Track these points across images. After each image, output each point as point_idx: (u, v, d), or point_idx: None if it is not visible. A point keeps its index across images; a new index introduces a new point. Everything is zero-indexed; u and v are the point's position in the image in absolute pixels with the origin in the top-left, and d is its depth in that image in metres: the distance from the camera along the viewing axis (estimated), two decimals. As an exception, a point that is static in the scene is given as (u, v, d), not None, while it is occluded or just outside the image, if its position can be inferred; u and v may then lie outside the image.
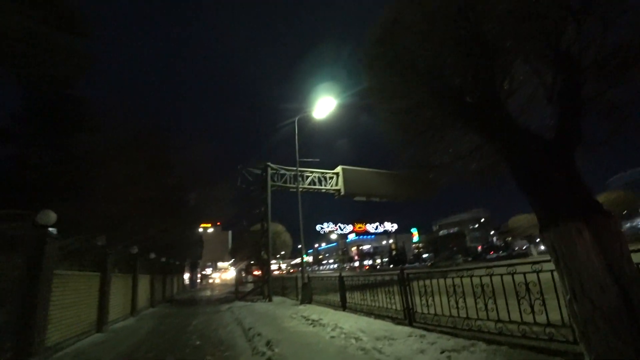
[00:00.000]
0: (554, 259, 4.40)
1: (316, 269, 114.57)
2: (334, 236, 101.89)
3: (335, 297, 11.94)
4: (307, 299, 14.24)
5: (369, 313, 9.17)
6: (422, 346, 5.64)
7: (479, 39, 5.21)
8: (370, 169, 24.71)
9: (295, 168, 19.60)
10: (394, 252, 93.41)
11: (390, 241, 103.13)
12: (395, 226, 73.86)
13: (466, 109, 5.66)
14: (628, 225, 47.62)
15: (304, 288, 14.57)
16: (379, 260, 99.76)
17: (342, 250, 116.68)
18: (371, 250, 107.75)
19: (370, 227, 72.22)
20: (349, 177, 22.49)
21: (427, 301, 7.05)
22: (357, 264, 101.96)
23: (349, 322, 8.09)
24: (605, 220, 4.27)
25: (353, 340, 6.24)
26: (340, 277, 11.53)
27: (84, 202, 14.29)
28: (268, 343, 6.32)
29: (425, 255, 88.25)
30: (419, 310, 7.34)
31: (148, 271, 16.60)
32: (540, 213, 4.67)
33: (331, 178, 22.33)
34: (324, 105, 17.15)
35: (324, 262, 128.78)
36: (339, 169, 22.43)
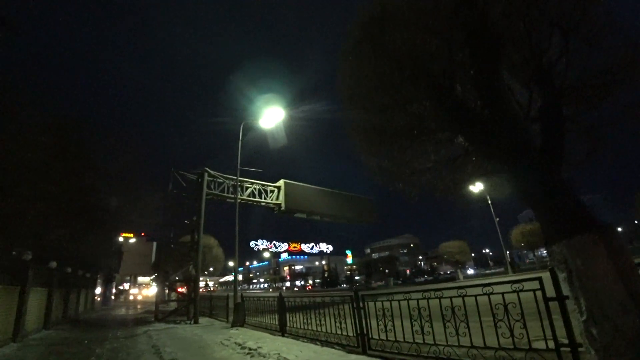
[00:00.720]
0: (565, 274, 3.75)
1: (246, 287, 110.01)
2: (266, 254, 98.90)
3: (272, 320, 10.59)
4: (239, 321, 12.65)
5: (313, 339, 8.00)
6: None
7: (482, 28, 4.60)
8: (314, 186, 23.89)
9: (235, 177, 18.03)
10: (326, 274, 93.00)
11: (323, 262, 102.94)
12: (331, 248, 73.76)
13: (462, 109, 4.97)
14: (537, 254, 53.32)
15: (237, 309, 12.94)
16: (310, 281, 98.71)
17: (273, 270, 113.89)
18: (303, 270, 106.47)
19: (306, 247, 71.17)
20: (291, 192, 21.40)
21: (385, 326, 6.10)
22: (288, 284, 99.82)
23: (293, 351, 6.84)
24: (612, 233, 3.75)
25: (308, 378, 5.00)
26: (281, 297, 10.23)
27: None
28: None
29: (357, 278, 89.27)
30: (375, 335, 6.37)
31: (45, 284, 13.66)
32: (549, 225, 4.01)
33: (272, 191, 21.05)
34: (272, 114, 16.17)
35: (255, 281, 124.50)
36: (281, 182, 21.26)
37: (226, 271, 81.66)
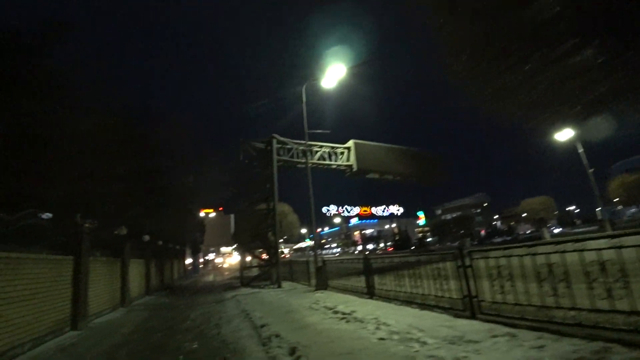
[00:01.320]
0: None
1: (319, 253, 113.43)
2: (337, 220, 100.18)
3: (357, 282, 10.12)
4: (322, 285, 12.44)
5: (407, 302, 7.31)
6: (529, 354, 3.75)
7: None
8: (385, 144, 22.64)
9: (303, 142, 17.60)
10: (397, 237, 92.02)
11: (393, 225, 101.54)
12: (401, 210, 71.96)
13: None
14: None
15: (319, 272, 12.73)
16: (382, 244, 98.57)
17: (344, 235, 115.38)
18: (374, 234, 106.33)
19: (376, 210, 70.30)
20: (362, 152, 20.43)
21: (502, 287, 5.17)
22: (359, 247, 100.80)
23: (390, 315, 6.20)
24: None
25: (416, 346, 4.33)
26: (366, 258, 9.66)
27: (55, 179, 12.50)
28: (293, 351, 4.41)
29: (429, 240, 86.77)
30: (487, 297, 5.48)
31: (142, 256, 14.78)
32: None
33: (342, 153, 20.27)
34: (333, 73, 15.20)
35: (327, 246, 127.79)
36: (350, 143, 20.35)
37: (299, 238, 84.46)
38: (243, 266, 16.96)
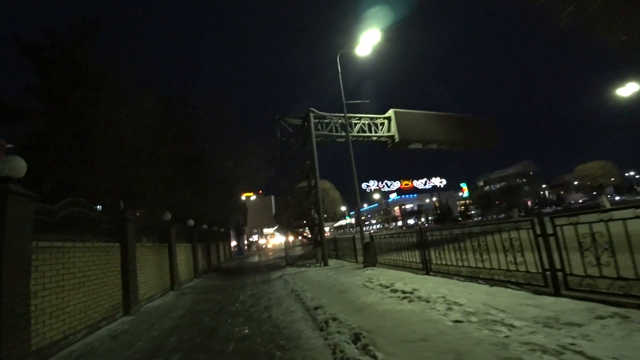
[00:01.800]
0: None
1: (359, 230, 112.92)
2: (376, 196, 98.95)
3: (410, 258, 9.47)
4: (370, 261, 11.90)
5: (471, 277, 6.57)
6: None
7: None
8: (427, 112, 21.28)
9: (341, 114, 16.81)
10: (438, 210, 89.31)
11: (434, 199, 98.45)
12: (444, 182, 69.37)
13: None
14: None
15: (367, 248, 12.16)
16: (423, 219, 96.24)
17: (383, 210, 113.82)
18: (415, 208, 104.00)
19: (418, 184, 68.24)
20: (404, 122, 19.28)
21: (597, 258, 4.32)
22: (400, 223, 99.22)
23: (459, 293, 5.51)
24: None
25: (503, 329, 3.63)
26: (421, 231, 8.97)
27: (101, 170, 12.71)
28: (357, 338, 3.85)
29: (471, 212, 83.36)
30: (575, 271, 4.65)
31: (188, 240, 14.91)
32: None
33: (382, 124, 19.26)
34: (368, 39, 14.25)
35: (367, 223, 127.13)
36: (390, 112, 19.24)
37: (339, 216, 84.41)
38: (287, 246, 16.73)
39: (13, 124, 14.06)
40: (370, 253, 12.01)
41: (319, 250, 16.55)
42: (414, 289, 6.06)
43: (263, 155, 25.06)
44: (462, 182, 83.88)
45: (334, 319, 4.75)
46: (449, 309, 4.66)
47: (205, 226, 18.92)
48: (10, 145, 18.36)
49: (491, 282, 6.05)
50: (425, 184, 69.42)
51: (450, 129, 21.35)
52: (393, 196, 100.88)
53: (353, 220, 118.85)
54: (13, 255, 4.39)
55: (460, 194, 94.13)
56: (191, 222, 15.44)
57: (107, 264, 7.04)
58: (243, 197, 45.40)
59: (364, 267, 11.81)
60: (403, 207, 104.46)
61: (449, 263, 7.52)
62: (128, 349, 4.97)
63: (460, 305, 4.74)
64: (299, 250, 21.74)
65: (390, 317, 4.74)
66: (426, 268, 8.53)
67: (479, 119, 24.04)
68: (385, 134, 19.04)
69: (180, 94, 24.61)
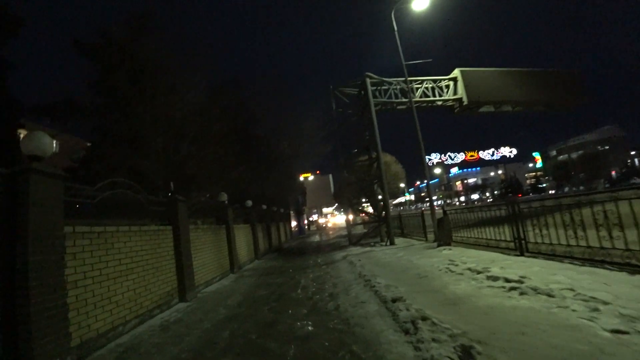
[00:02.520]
0: None
1: (420, 206, 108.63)
2: (437, 171, 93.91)
3: (495, 235, 7.96)
4: (445, 239, 10.48)
5: (591, 260, 4.98)
6: None
7: None
8: (499, 69, 18.63)
9: (400, 78, 15.15)
10: (504, 184, 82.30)
11: (499, 172, 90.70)
12: (514, 151, 63.04)
13: None
14: None
15: (440, 225, 10.73)
16: (487, 194, 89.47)
17: (444, 186, 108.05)
18: (479, 182, 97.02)
19: (484, 155, 62.97)
20: (472, 82, 17.02)
21: None
22: (462, 198, 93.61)
23: (588, 283, 4.04)
24: None
25: None
26: (511, 202, 7.39)
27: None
28: (467, 354, 2.66)
29: (543, 185, 75.29)
30: None
31: (247, 221, 14.50)
32: None
33: (447, 87, 17.19)
34: None
35: (427, 199, 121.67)
36: (456, 72, 17.07)
37: (400, 192, 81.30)
38: (349, 224, 15.69)
39: (78, 120, 14.51)
40: (444, 230, 10.56)
41: (384, 228, 15.34)
42: (521, 277, 4.64)
43: (319, 131, 24.14)
44: (534, 151, 75.58)
45: (424, 318, 3.57)
46: (592, 308, 3.24)
47: (264, 206, 18.55)
48: (89, 144, 19.50)
49: (628, 267, 4.45)
50: (492, 155, 63.74)
51: (527, 87, 18.53)
52: (454, 170, 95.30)
53: (412, 197, 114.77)
54: (41, 242, 3.79)
55: (530, 165, 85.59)
56: (249, 203, 15.00)
57: (158, 249, 6.49)
58: (301, 178, 45.23)
59: (438, 246, 10.43)
60: (465, 181, 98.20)
61: (555, 242, 5.94)
62: (175, 346, 4.25)
63: (606, 303, 3.30)
64: (361, 229, 20.70)
65: (501, 318, 3.45)
66: (520, 247, 6.98)
67: (561, 72, 20.64)
68: (452, 97, 16.97)
69: (233, 77, 24.89)
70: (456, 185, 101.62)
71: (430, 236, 13.46)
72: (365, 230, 16.66)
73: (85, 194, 5.10)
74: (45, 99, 14.79)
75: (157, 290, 6.19)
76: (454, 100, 16.98)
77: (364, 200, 18.09)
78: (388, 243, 13.53)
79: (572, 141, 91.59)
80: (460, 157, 61.52)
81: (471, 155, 63.04)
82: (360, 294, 5.64)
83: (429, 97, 16.50)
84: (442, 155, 60.56)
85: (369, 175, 15.76)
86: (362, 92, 15.59)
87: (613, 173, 68.59)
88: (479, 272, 5.46)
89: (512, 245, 7.31)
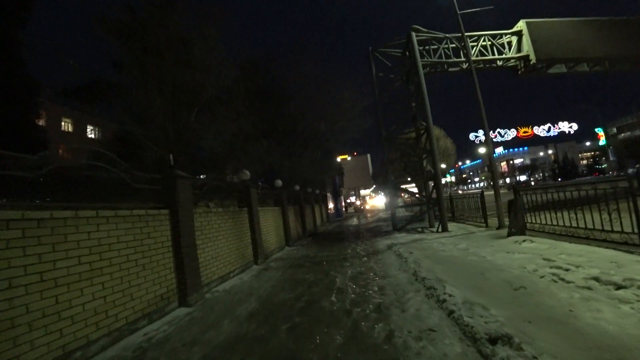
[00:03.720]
0: None
1: (463, 188, 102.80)
2: (481, 150, 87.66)
3: (597, 223, 5.74)
4: (518, 227, 8.29)
5: None
6: None
7: None
8: (575, 18, 15.37)
9: (455, 34, 12.70)
10: (555, 164, 75.01)
11: (549, 152, 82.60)
12: (575, 126, 56.24)
13: None
14: None
15: (512, 208, 8.47)
16: (537, 176, 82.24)
17: (487, 167, 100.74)
18: (526, 163, 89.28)
19: (539, 131, 57.00)
20: (541, 35, 14.08)
21: None
22: (507, 180, 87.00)
23: None
24: None
25: None
26: (634, 175, 5.11)
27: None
28: None
29: (602, 166, 67.54)
30: None
31: (276, 203, 12.92)
32: None
33: (509, 43, 14.38)
34: None
35: (469, 181, 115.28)
36: (521, 24, 14.18)
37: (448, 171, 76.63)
38: (393, 207, 13.63)
39: (107, 100, 13.75)
40: (517, 215, 8.30)
41: (433, 212, 13.20)
42: None
43: (357, 103, 21.98)
44: (597, 127, 67.28)
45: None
46: None
47: (297, 187, 16.92)
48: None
49: None
50: (548, 131, 57.33)
51: (609, 40, 15.15)
52: (499, 150, 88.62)
53: (453, 179, 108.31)
54: None
55: (588, 143, 77.19)
56: (279, 182, 13.38)
57: (146, 239, 4.93)
58: (338, 159, 43.26)
59: (509, 235, 8.24)
60: (511, 162, 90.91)
61: None
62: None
63: None
64: (401, 212, 18.56)
65: None
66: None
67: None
68: (515, 55, 14.15)
69: (265, 53, 23.93)
70: (501, 167, 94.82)
71: (492, 221, 11.21)
72: (411, 214, 14.57)
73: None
74: (69, 81, 14.42)
75: (143, 294, 4.65)
76: (518, 58, 14.16)
77: (408, 179, 15.92)
78: (440, 229, 11.42)
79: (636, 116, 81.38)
80: (511, 133, 55.91)
81: (524, 132, 57.14)
82: (424, 313, 3.75)
83: (487, 55, 13.82)
84: (492, 132, 55.18)
85: (416, 150, 13.54)
86: (407, 52, 13.25)
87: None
88: (619, 287, 3.38)
89: (635, 239, 5.09)
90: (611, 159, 63.52)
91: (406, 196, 17.33)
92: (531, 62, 13.86)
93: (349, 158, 67.74)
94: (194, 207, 6.19)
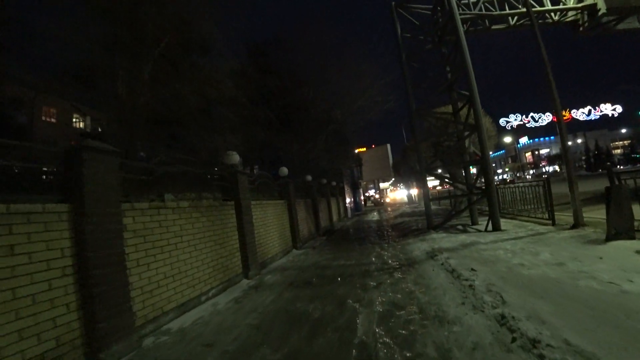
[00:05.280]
0: None
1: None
2: (507, 139, 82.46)
3: None
4: (622, 225, 5.64)
5: None
6: None
7: None
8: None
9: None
10: (590, 153, 69.59)
11: (579, 141, 76.39)
12: (618, 109, 51.00)
13: None
14: None
15: (615, 200, 5.77)
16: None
17: (511, 158, 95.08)
18: (552, 153, 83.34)
19: (578, 114, 52.18)
20: (610, -20, 11.11)
21: None
22: (532, 171, 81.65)
23: None
24: None
25: None
26: None
27: None
28: None
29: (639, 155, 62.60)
30: None
31: (281, 195, 10.58)
32: None
33: (567, -8, 11.50)
34: None
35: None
36: (584, -35, 11.24)
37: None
38: (427, 200, 10.95)
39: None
40: (623, 208, 5.63)
41: (476, 206, 10.60)
42: None
43: (377, 80, 19.37)
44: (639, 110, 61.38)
45: None
46: None
47: (309, 177, 14.54)
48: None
49: None
50: (588, 115, 52.28)
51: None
52: (523, 140, 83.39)
53: (474, 170, 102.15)
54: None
55: (624, 130, 71.02)
56: (284, 171, 11.04)
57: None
58: (356, 151, 40.59)
59: (608, 238, 5.61)
60: (536, 152, 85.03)
61: None
62: None
63: None
64: (433, 207, 15.88)
65: None
66: None
67: None
68: (577, 5, 11.23)
69: (275, 36, 22.66)
70: (526, 157, 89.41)
71: (564, 217, 8.56)
72: (441, 207, 11.91)
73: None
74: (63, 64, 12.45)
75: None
76: (580, 9, 11.23)
77: (439, 170, 13.27)
78: (488, 228, 8.82)
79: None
80: (546, 118, 51.09)
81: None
82: None
83: (544, 5, 10.97)
84: (524, 116, 50.80)
85: (455, 127, 10.87)
86: (438, 6, 10.62)
87: None
88: None
89: None
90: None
91: (438, 187, 14.66)
92: (600, 13, 10.89)
93: (366, 150, 64.78)
94: (120, 198, 3.79)
